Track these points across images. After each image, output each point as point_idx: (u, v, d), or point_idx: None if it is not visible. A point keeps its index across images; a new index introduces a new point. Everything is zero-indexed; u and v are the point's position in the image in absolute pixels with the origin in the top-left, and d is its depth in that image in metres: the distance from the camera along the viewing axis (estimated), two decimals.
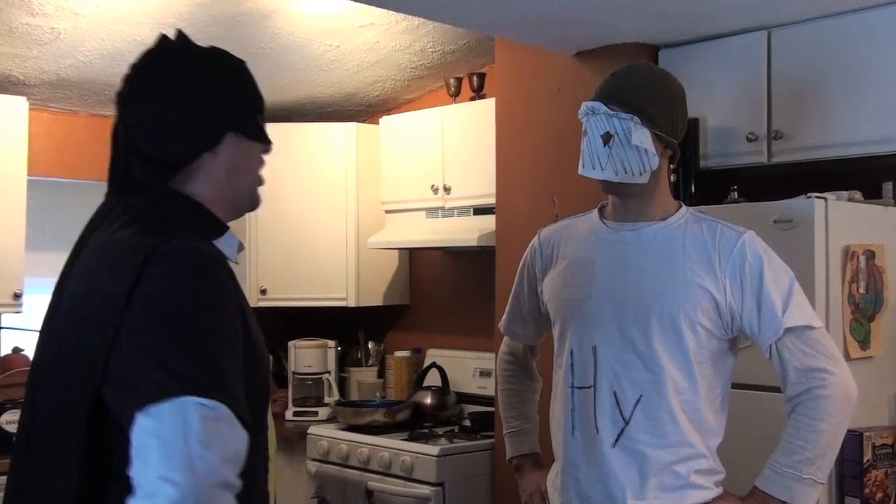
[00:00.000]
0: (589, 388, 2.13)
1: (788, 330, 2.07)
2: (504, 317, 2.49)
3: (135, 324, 1.36)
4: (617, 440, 2.09)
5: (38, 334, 1.55)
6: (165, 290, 1.37)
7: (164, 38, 1.61)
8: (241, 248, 1.61)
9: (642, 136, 2.06)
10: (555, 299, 2.25)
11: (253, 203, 1.67)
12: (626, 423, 2.08)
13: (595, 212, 2.25)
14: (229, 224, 1.60)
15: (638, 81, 2.12)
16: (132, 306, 1.36)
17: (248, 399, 1.40)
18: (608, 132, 2.08)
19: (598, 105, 2.10)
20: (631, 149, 2.07)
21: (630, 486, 2.07)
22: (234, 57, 1.64)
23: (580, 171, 2.14)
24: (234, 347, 1.40)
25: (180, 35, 1.62)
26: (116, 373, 1.36)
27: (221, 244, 1.53)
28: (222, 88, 1.58)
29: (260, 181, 1.67)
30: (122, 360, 1.35)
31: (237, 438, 1.33)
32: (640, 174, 2.08)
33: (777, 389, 2.16)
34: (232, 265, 1.50)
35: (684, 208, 2.19)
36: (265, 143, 1.66)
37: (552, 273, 2.28)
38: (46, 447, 1.44)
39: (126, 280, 1.37)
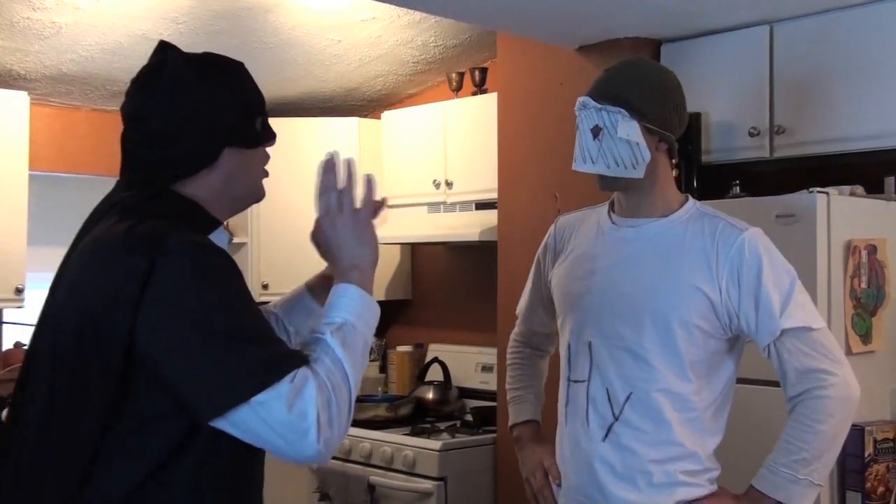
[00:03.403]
0: (583, 382, 2.14)
1: (786, 331, 2.05)
2: (521, 302, 2.49)
3: (161, 329, 1.44)
4: (606, 435, 2.09)
5: (38, 323, 1.60)
6: (181, 293, 1.45)
7: (161, 49, 1.63)
8: (230, 240, 1.68)
9: (629, 129, 2.06)
10: (558, 291, 2.25)
11: (255, 198, 1.72)
12: (616, 418, 2.09)
13: (606, 205, 2.25)
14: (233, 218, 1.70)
15: (627, 76, 2.12)
16: (151, 307, 1.44)
17: None
18: (597, 125, 2.08)
19: (588, 100, 2.11)
20: (620, 142, 2.06)
21: (618, 479, 2.08)
22: (230, 62, 1.66)
23: (574, 166, 2.14)
24: (256, 314, 1.52)
25: (171, 47, 1.63)
26: (168, 375, 1.45)
27: (214, 238, 1.58)
28: (219, 103, 1.60)
29: (261, 178, 1.71)
30: (168, 370, 1.45)
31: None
32: (634, 167, 2.07)
33: (776, 384, 2.15)
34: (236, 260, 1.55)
35: (690, 202, 2.18)
36: (267, 143, 1.69)
37: (561, 263, 2.28)
38: (59, 434, 1.49)
39: (135, 280, 1.44)
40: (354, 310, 1.58)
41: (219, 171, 1.61)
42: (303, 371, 1.47)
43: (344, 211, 1.66)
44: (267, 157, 1.72)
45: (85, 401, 1.47)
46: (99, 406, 1.46)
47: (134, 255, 1.46)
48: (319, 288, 1.92)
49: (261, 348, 1.47)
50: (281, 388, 1.43)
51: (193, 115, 1.57)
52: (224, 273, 1.50)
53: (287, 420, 1.42)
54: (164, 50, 1.62)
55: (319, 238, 1.69)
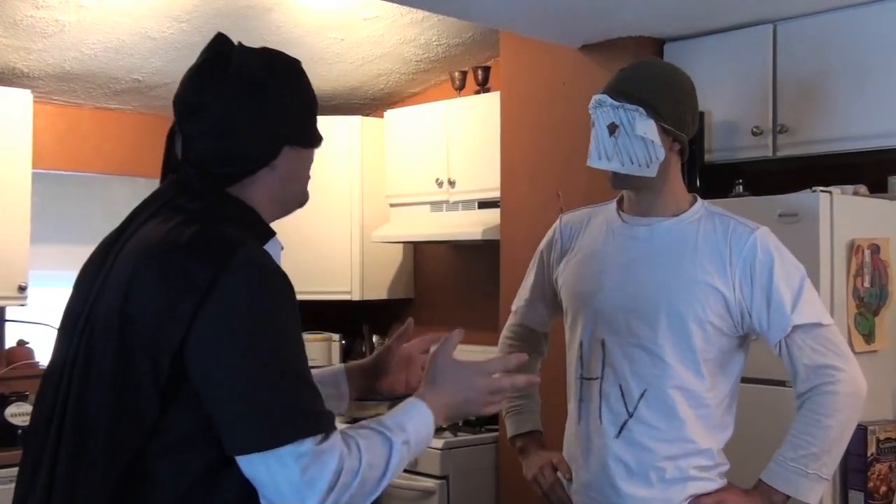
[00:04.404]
0: (596, 379, 2.14)
1: (797, 327, 2.07)
2: (518, 299, 2.47)
3: (211, 348, 1.40)
4: (620, 432, 2.10)
5: (65, 323, 1.54)
6: (238, 315, 1.41)
7: (220, 41, 1.59)
8: (281, 248, 1.62)
9: (647, 128, 2.07)
10: (568, 289, 2.25)
11: (301, 202, 1.68)
12: (630, 415, 2.09)
13: (614, 203, 2.26)
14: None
15: (645, 75, 2.14)
16: (205, 323, 1.39)
17: None
18: (614, 123, 2.09)
19: (605, 97, 2.12)
20: (637, 140, 2.07)
21: (631, 476, 2.09)
22: (292, 60, 1.62)
23: (588, 162, 2.14)
24: (303, 355, 1.48)
25: (229, 40, 1.59)
26: (204, 393, 1.41)
27: (269, 247, 1.54)
28: (282, 100, 1.57)
29: (307, 181, 1.68)
30: (208, 391, 1.41)
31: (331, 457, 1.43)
32: (647, 166, 2.08)
33: (784, 384, 2.16)
34: None
35: (699, 203, 2.19)
36: (319, 145, 1.66)
37: (568, 262, 2.27)
38: (98, 443, 1.43)
39: (195, 293, 1.40)
40: (421, 437, 1.58)
41: (277, 172, 1.57)
42: (334, 437, 1.43)
43: (482, 372, 1.79)
44: (312, 160, 1.68)
45: (133, 410, 1.41)
46: (144, 416, 1.41)
47: (197, 265, 1.41)
48: (356, 375, 1.96)
49: (302, 393, 1.43)
50: (303, 446, 1.39)
51: (259, 110, 1.53)
52: (283, 300, 1.46)
53: (294, 482, 1.38)
54: (226, 42, 1.58)
55: (438, 357, 1.75)
